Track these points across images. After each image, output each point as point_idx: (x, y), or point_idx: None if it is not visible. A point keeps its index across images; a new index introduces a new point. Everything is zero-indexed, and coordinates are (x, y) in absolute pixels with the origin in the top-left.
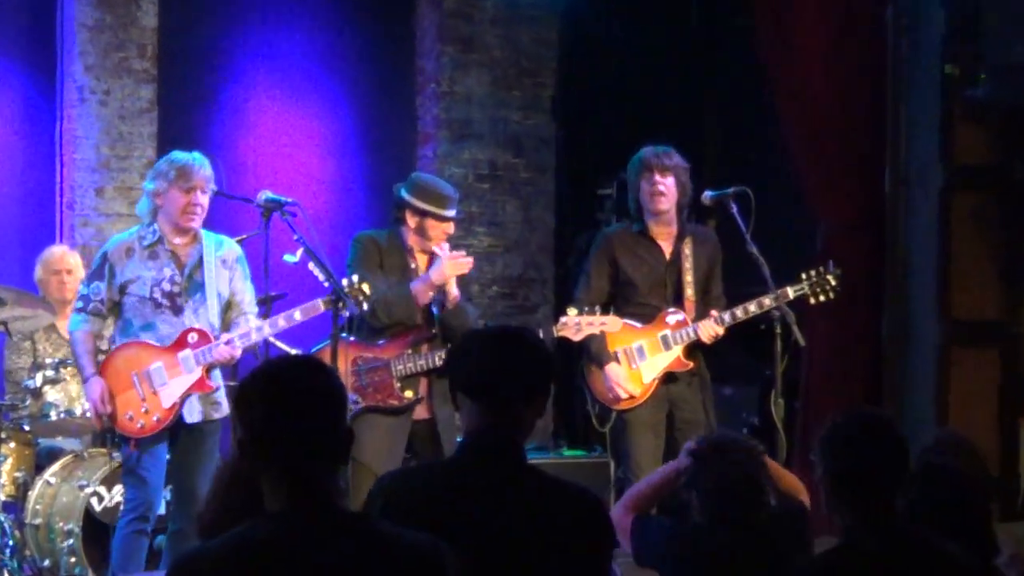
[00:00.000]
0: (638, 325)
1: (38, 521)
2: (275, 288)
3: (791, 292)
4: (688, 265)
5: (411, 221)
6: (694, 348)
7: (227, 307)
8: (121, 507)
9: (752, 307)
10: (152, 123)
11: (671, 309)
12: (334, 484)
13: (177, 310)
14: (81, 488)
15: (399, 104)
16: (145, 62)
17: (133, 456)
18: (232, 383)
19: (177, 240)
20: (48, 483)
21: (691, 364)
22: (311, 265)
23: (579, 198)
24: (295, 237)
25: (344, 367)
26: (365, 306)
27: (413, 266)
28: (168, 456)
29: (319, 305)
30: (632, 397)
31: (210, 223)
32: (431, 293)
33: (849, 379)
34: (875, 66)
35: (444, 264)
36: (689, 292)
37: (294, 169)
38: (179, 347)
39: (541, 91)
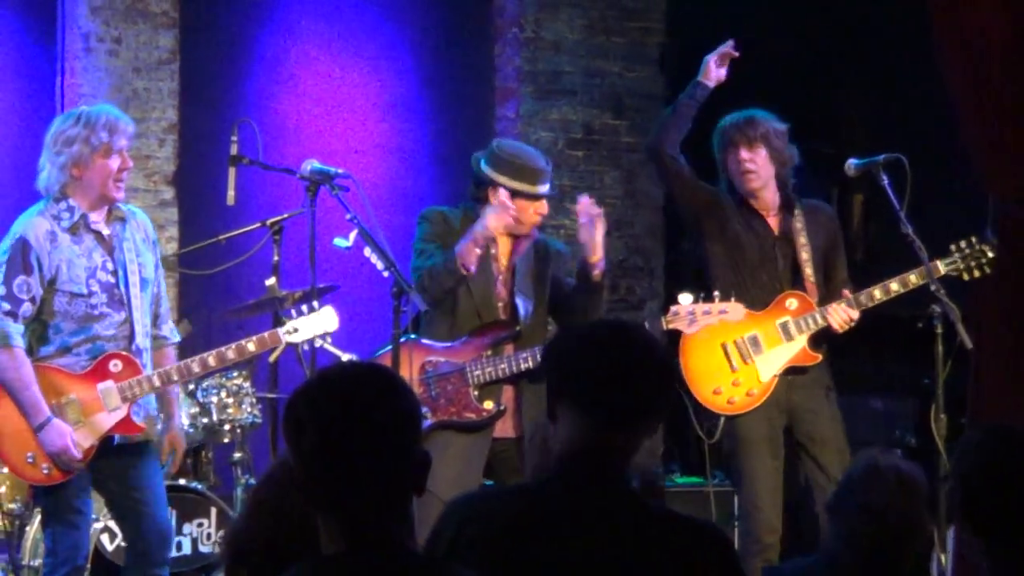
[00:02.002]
0: (750, 311)
1: (36, 563)
2: (323, 279)
3: (942, 267)
4: (803, 240)
5: (495, 200)
6: (820, 340)
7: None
8: (44, 560)
9: (894, 285)
10: (173, 77)
11: (790, 291)
12: (403, 522)
13: (117, 304)
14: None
15: (473, 53)
16: (164, 3)
17: (60, 496)
18: (272, 395)
19: (95, 217)
20: None
21: (819, 356)
22: (367, 250)
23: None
24: (348, 216)
25: (410, 374)
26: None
27: (492, 251)
28: (105, 490)
29: (279, 336)
30: (750, 395)
31: (245, 199)
32: (477, 250)
33: None
34: None
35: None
36: (807, 272)
37: (346, 134)
38: (98, 376)
39: (647, 37)
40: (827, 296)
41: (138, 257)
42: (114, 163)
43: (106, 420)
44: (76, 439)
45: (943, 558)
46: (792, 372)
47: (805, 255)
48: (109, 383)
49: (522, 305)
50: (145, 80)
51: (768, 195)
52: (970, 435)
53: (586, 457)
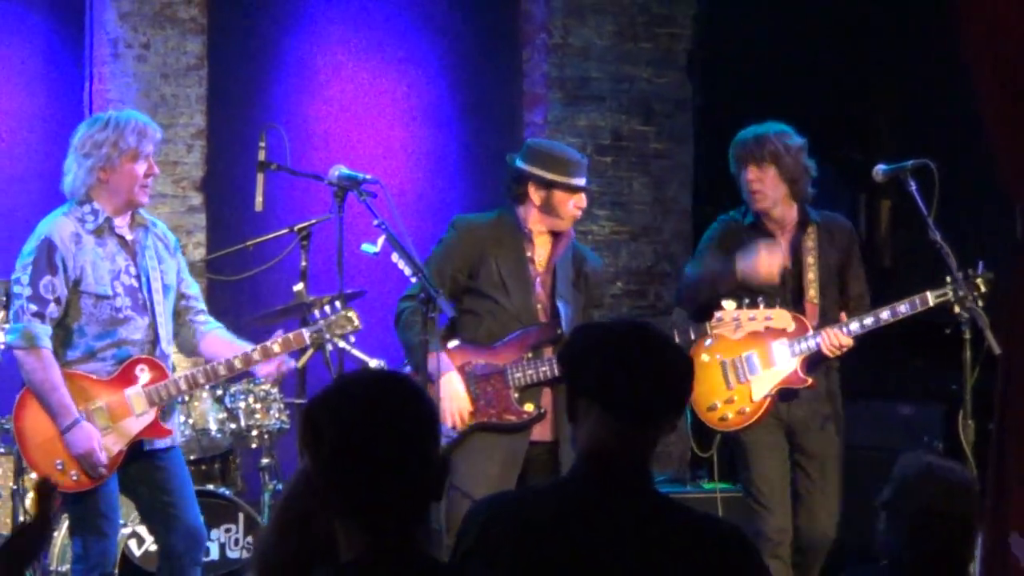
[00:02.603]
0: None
1: (65, 568)
2: (351, 284)
3: (931, 298)
4: (810, 260)
5: (536, 197)
6: (818, 362)
7: (176, 303)
8: (73, 566)
9: (884, 314)
10: (201, 83)
11: (792, 314)
12: (423, 528)
13: (140, 309)
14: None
15: (501, 59)
16: (192, 9)
17: (89, 503)
18: (298, 400)
19: (119, 222)
20: None
21: (810, 380)
22: (395, 256)
23: (722, 174)
24: (375, 222)
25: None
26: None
27: (529, 254)
28: (135, 495)
29: (303, 336)
30: (741, 413)
31: (273, 205)
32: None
33: None
34: None
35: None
36: (811, 293)
37: (374, 139)
38: (125, 381)
39: (675, 43)
40: (835, 310)
41: (160, 264)
42: (141, 168)
43: (134, 425)
44: (104, 444)
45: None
46: (792, 393)
47: (811, 276)
48: (136, 388)
49: (562, 308)
50: (173, 86)
51: (780, 213)
52: None
53: (607, 455)
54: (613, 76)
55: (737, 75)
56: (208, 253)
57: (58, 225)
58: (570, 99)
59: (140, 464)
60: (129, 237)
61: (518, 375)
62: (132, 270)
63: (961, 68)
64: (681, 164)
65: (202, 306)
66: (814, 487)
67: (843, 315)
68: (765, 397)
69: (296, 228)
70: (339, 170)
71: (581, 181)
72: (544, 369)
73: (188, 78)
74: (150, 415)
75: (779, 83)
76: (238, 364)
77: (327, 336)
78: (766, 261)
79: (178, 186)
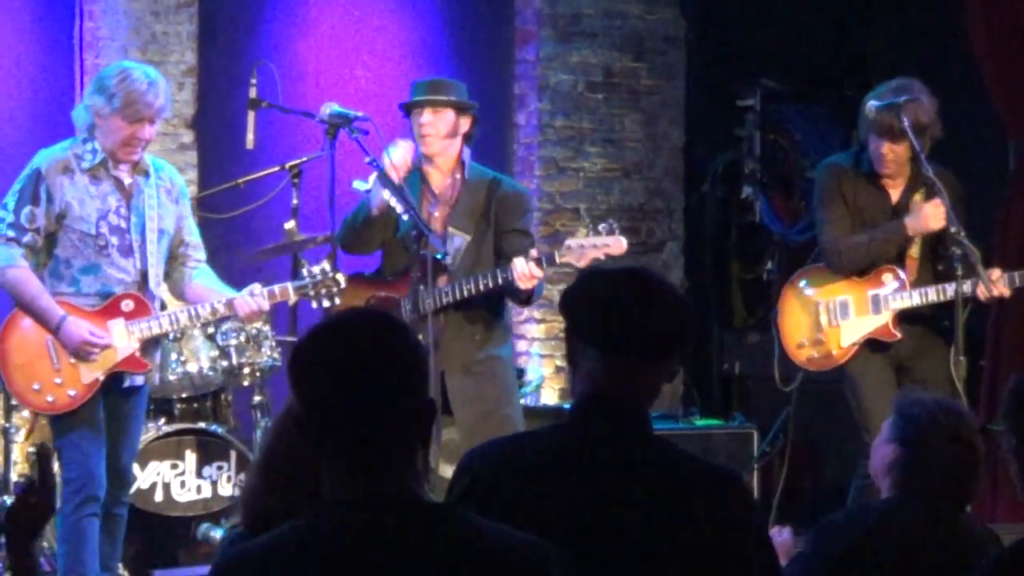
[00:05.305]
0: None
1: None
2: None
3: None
4: None
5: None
6: (909, 316)
7: (173, 247)
8: (60, 489)
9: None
10: (192, 20)
11: (888, 266)
12: (411, 468)
13: (126, 250)
14: None
15: None
16: None
17: (70, 426)
18: (290, 338)
19: (121, 165)
20: None
21: (899, 335)
22: (386, 193)
23: (714, 111)
24: (367, 160)
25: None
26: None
27: (426, 185)
28: None
29: (288, 291)
30: (827, 357)
31: (264, 142)
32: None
33: None
34: None
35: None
36: (913, 250)
37: (365, 77)
38: (109, 313)
39: None
40: (937, 266)
41: (158, 208)
42: (129, 129)
43: (114, 356)
44: (83, 370)
45: None
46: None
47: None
48: (119, 320)
49: (455, 239)
50: (163, 24)
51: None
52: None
53: (603, 398)
54: (605, 12)
55: (730, 11)
56: (199, 191)
57: (52, 158)
58: (562, 36)
59: (112, 398)
60: (127, 181)
61: (409, 306)
62: (123, 211)
63: (962, 5)
64: (673, 101)
65: (200, 255)
66: None
67: (995, 270)
68: (852, 345)
69: (287, 166)
70: (330, 108)
71: (415, 97)
72: (428, 301)
73: (179, 15)
74: (130, 347)
75: (774, 20)
76: (221, 309)
77: (311, 294)
78: (933, 214)
79: (169, 124)
